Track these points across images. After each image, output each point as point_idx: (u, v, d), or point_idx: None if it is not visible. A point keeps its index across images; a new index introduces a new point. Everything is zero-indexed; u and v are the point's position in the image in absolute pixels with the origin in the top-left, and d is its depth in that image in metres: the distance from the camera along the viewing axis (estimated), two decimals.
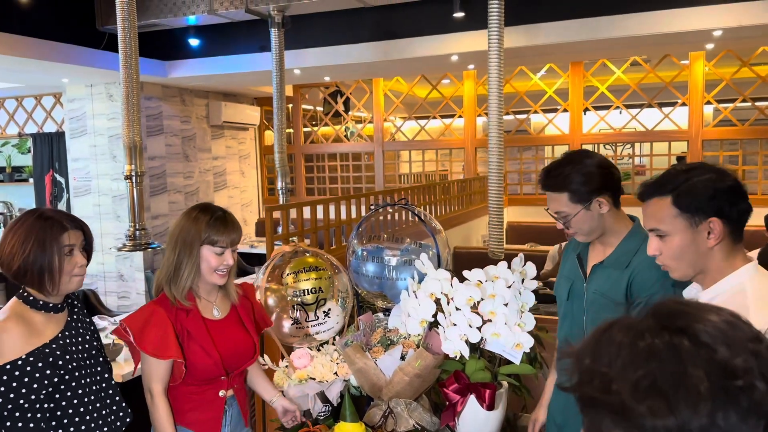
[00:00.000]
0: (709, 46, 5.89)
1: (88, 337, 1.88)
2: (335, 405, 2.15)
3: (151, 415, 1.96)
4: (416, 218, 2.31)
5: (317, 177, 8.80)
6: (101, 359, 1.91)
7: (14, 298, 1.78)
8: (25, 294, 1.77)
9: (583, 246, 1.96)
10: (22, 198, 8.25)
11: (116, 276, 6.72)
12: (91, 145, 6.89)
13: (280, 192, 4.67)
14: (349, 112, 8.65)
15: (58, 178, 7.57)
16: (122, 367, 2.82)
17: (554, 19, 5.02)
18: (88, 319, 1.95)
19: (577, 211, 1.78)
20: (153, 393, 1.93)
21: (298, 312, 2.25)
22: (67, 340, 1.80)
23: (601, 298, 1.82)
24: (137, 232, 3.45)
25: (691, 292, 1.56)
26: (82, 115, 6.88)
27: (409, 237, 2.34)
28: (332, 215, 3.75)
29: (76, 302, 1.92)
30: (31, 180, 7.90)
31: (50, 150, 7.64)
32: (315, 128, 8.79)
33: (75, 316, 1.88)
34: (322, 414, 2.19)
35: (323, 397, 2.20)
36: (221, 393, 2.01)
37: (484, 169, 8.39)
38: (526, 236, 6.98)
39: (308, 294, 2.26)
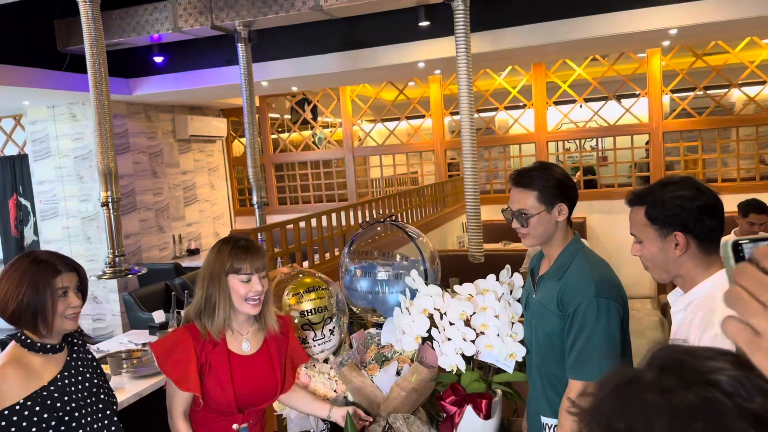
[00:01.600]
0: (666, 43, 6.09)
1: (88, 375, 1.88)
2: (339, 424, 2.18)
3: None
4: (404, 234, 2.36)
5: (288, 186, 8.79)
6: (102, 396, 1.91)
7: (12, 342, 1.79)
8: (23, 337, 1.77)
9: (537, 260, 2.05)
10: None
11: (90, 298, 6.62)
12: (57, 167, 6.76)
13: (256, 207, 4.67)
14: (317, 119, 8.66)
15: (23, 201, 7.40)
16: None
17: (517, 24, 5.14)
18: (89, 356, 1.95)
19: (539, 211, 1.88)
20: (173, 414, 1.97)
21: (306, 331, 2.27)
22: (66, 381, 1.80)
23: (540, 307, 1.92)
24: (116, 259, 3.42)
25: (674, 296, 1.65)
26: (45, 137, 6.75)
27: (398, 252, 2.39)
28: (313, 226, 3.78)
29: (75, 339, 1.91)
30: None
31: (12, 173, 7.47)
32: (283, 136, 8.77)
33: (75, 355, 1.88)
34: None
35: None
36: (234, 426, 2.01)
37: (455, 169, 8.51)
38: (499, 234, 7.10)
39: (314, 313, 2.29)
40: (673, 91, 7.28)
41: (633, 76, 7.24)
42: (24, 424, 1.68)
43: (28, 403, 1.69)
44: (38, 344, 1.77)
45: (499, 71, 7.67)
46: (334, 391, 2.22)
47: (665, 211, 1.51)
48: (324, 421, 2.22)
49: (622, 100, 7.41)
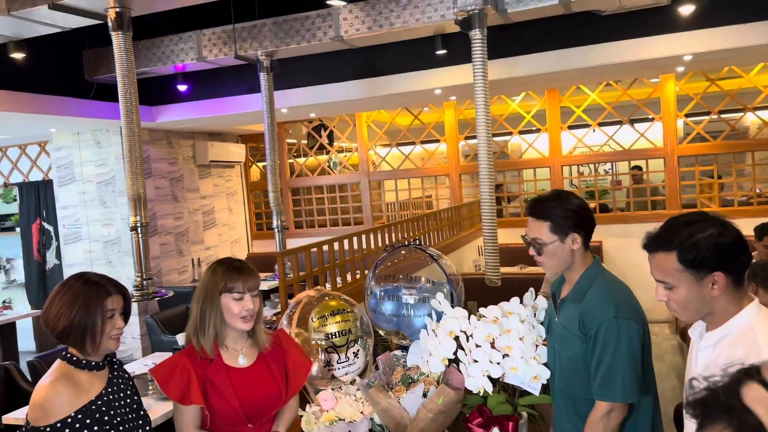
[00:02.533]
0: (680, 69, 6.17)
1: (129, 392, 1.97)
2: None
3: None
4: (429, 258, 2.42)
5: (305, 210, 8.89)
6: (141, 412, 1.99)
7: (58, 360, 1.87)
8: (69, 355, 1.87)
9: (558, 284, 2.09)
10: (9, 247, 8.20)
11: None
12: (80, 192, 6.91)
13: (276, 231, 4.75)
14: (333, 144, 8.79)
15: (46, 226, 7.55)
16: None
17: (531, 51, 5.24)
18: (126, 375, 2.03)
19: (552, 241, 1.92)
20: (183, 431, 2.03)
21: (330, 354, 2.33)
22: (111, 396, 1.89)
23: (563, 331, 1.96)
24: (144, 282, 3.50)
25: (696, 330, 1.63)
26: (70, 163, 6.92)
27: (422, 275, 2.45)
28: (336, 249, 3.85)
29: (114, 359, 2.00)
30: (17, 229, 7.86)
31: (36, 198, 7.63)
32: (300, 160, 8.90)
33: (115, 373, 1.97)
34: None
35: None
36: None
37: (469, 193, 8.57)
38: (515, 258, 7.12)
39: (338, 336, 2.35)
40: (687, 116, 7.32)
41: (647, 101, 7.31)
42: None
43: (79, 416, 1.78)
44: (84, 361, 1.86)
45: (514, 96, 7.77)
46: (361, 412, 2.26)
47: (701, 253, 1.45)
48: None
49: (636, 125, 7.47)
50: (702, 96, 7.07)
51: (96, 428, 1.80)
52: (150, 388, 3.27)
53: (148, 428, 1.98)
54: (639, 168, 7.75)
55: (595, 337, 1.83)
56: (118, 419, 1.87)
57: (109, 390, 1.90)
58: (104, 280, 1.88)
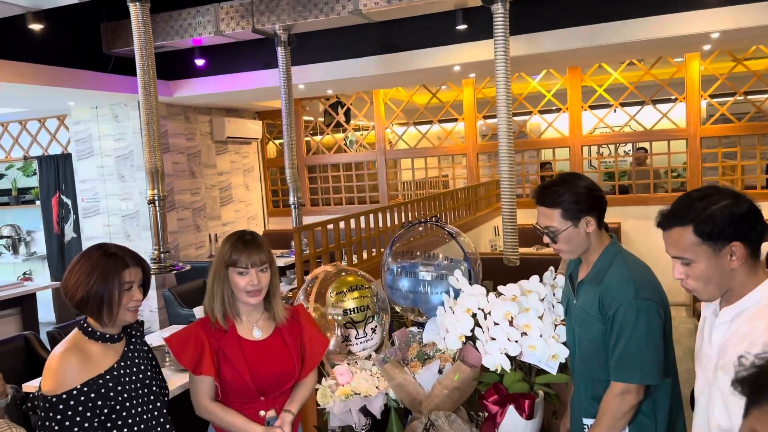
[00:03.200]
0: (706, 47, 6.01)
1: (143, 367, 1.96)
2: (378, 418, 2.22)
3: (211, 421, 2.08)
4: (448, 235, 2.40)
5: (321, 188, 8.88)
6: (154, 387, 1.98)
7: (75, 329, 1.89)
8: (85, 325, 1.87)
9: (574, 266, 2.06)
10: (30, 220, 8.30)
11: None
12: (99, 166, 6.95)
13: (293, 207, 4.74)
14: (350, 122, 8.74)
15: (65, 199, 7.63)
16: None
17: (554, 27, 5.13)
18: (146, 347, 2.03)
19: (566, 227, 1.88)
20: (201, 403, 2.06)
21: (348, 330, 2.32)
22: (122, 371, 1.88)
23: (582, 313, 1.92)
24: (162, 255, 3.52)
25: (709, 308, 1.61)
26: (88, 137, 6.95)
27: (440, 253, 2.43)
28: (352, 226, 3.84)
29: (134, 332, 2.00)
30: (38, 202, 7.95)
31: (56, 172, 7.70)
32: (316, 138, 8.87)
33: (132, 346, 1.96)
34: (365, 428, 2.27)
35: (364, 411, 2.28)
36: (261, 413, 2.07)
37: (486, 173, 8.50)
38: (532, 238, 7.06)
39: (356, 312, 2.34)
40: (711, 96, 7.16)
41: (670, 81, 7.15)
42: (79, 408, 1.76)
43: (85, 389, 1.78)
44: (98, 333, 1.86)
45: (534, 75, 7.64)
46: (377, 387, 2.26)
47: (718, 224, 1.44)
48: (366, 415, 2.27)
49: (658, 105, 7.32)
50: (727, 76, 6.90)
51: (100, 403, 1.80)
52: (167, 359, 3.30)
53: (159, 404, 1.98)
54: (644, 150, 7.62)
55: (613, 318, 1.80)
56: (126, 395, 1.86)
57: (122, 364, 1.89)
58: (123, 252, 1.88)
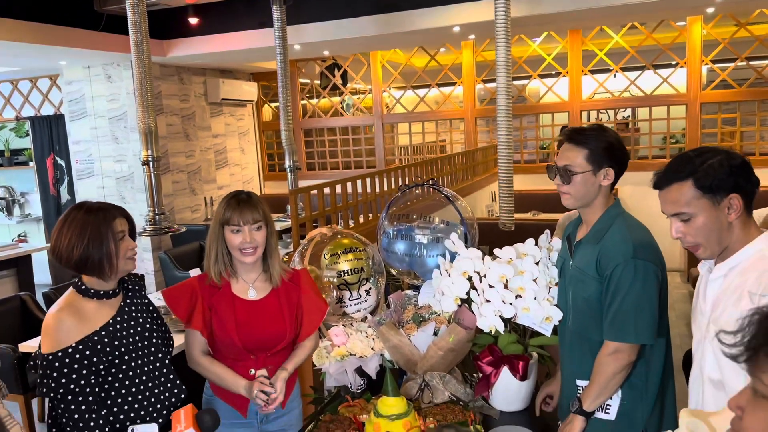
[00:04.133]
0: (710, 9, 5.91)
1: (141, 320, 1.96)
2: (374, 378, 2.23)
3: (201, 374, 2.10)
4: (444, 197, 2.38)
5: (317, 152, 8.82)
6: (155, 339, 1.99)
7: (70, 289, 1.90)
8: (80, 284, 1.88)
9: (573, 226, 2.04)
10: (24, 182, 8.24)
11: None
12: (92, 128, 6.87)
13: (288, 171, 4.71)
14: (347, 85, 8.62)
15: (59, 161, 7.56)
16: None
17: None
18: (146, 301, 2.04)
19: (585, 170, 1.86)
20: (193, 356, 2.08)
21: (342, 291, 2.32)
22: (118, 326, 1.89)
23: (579, 273, 1.92)
24: (157, 216, 3.50)
25: (705, 265, 1.64)
26: (81, 98, 6.85)
27: (438, 217, 2.41)
28: (348, 191, 3.82)
29: (130, 285, 2.00)
30: (31, 164, 7.88)
31: (49, 133, 7.61)
32: (312, 101, 8.77)
33: (129, 300, 1.97)
34: (360, 388, 2.29)
35: (360, 372, 2.29)
36: (251, 371, 2.08)
37: (484, 138, 8.44)
38: (529, 204, 7.07)
39: (350, 274, 2.34)
40: (713, 61, 7.07)
41: (672, 45, 7.05)
42: (75, 366, 1.78)
43: (80, 347, 1.79)
44: (92, 290, 1.87)
45: (535, 37, 7.52)
46: (372, 348, 2.27)
47: (718, 176, 1.48)
48: (361, 376, 2.28)
49: (659, 70, 7.23)
50: (729, 41, 6.81)
51: (95, 359, 1.82)
52: (166, 320, 3.32)
53: (161, 355, 1.99)
54: (626, 119, 7.61)
55: (610, 277, 1.80)
56: (123, 349, 1.88)
57: (118, 319, 1.90)
58: (105, 206, 1.89)
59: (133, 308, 1.97)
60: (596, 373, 1.84)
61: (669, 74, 7.17)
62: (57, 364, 1.77)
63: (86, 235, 1.81)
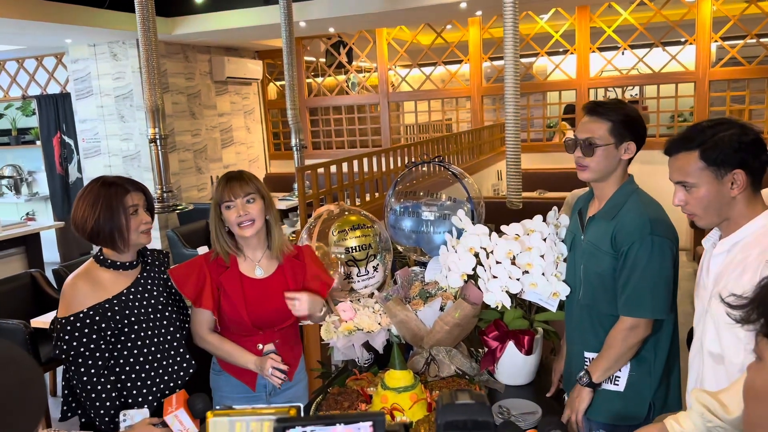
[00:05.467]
0: None
1: (156, 293, 2.02)
2: (381, 353, 2.27)
3: (209, 351, 2.13)
4: (451, 175, 2.39)
5: (322, 131, 8.80)
6: (167, 313, 2.04)
7: (90, 258, 1.98)
8: (99, 254, 1.96)
9: (584, 202, 2.05)
10: (31, 161, 8.27)
11: None
12: (98, 106, 6.87)
13: (294, 149, 4.70)
14: (353, 63, 8.57)
15: (67, 139, 7.57)
16: None
17: None
18: (164, 276, 2.08)
19: (608, 143, 1.86)
20: (200, 335, 2.11)
21: (350, 267, 2.35)
22: (131, 296, 1.95)
23: (592, 247, 1.93)
24: (165, 194, 3.52)
25: (709, 240, 1.67)
26: (87, 76, 6.84)
27: (443, 193, 2.42)
28: (355, 170, 3.82)
29: (150, 259, 2.06)
30: (38, 142, 7.89)
31: (56, 112, 7.61)
32: (317, 80, 8.72)
33: (145, 273, 2.02)
34: (367, 362, 2.32)
35: (367, 347, 2.33)
36: (259, 346, 2.12)
37: (490, 117, 8.40)
38: (535, 183, 7.06)
39: (358, 250, 2.36)
40: (722, 38, 6.99)
41: (681, 22, 6.96)
42: (85, 330, 1.85)
43: (90, 312, 1.87)
44: (109, 261, 1.94)
45: (542, 14, 7.43)
46: (379, 323, 2.30)
47: (724, 150, 1.49)
48: (368, 350, 2.32)
49: (668, 47, 7.15)
50: (739, 17, 6.72)
51: (104, 325, 1.88)
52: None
53: (173, 329, 2.03)
54: (635, 96, 7.56)
55: (626, 254, 1.81)
56: (133, 319, 1.93)
57: (132, 290, 1.96)
58: (121, 180, 1.94)
59: (150, 281, 2.02)
60: (609, 347, 1.86)
61: (678, 51, 7.09)
62: (69, 327, 1.84)
63: (98, 207, 1.86)
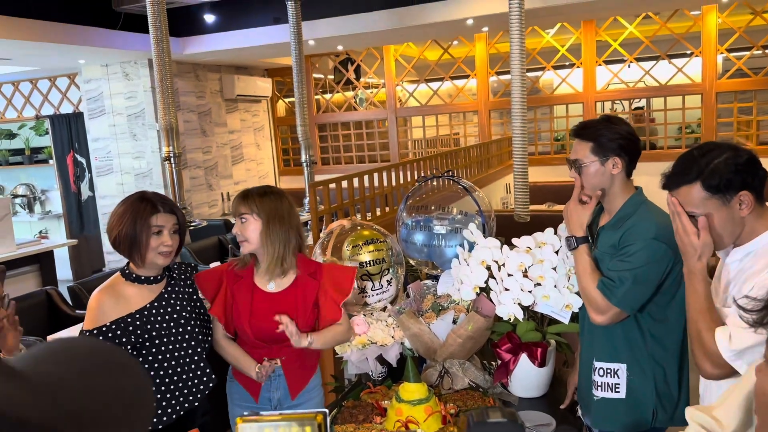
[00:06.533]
0: None
1: (179, 307, 2.04)
2: (394, 366, 2.29)
3: (221, 355, 2.17)
4: (461, 188, 2.42)
5: (331, 146, 8.87)
6: (190, 327, 2.05)
7: (117, 272, 2.02)
8: (125, 268, 2.01)
9: (595, 216, 2.08)
10: (44, 179, 8.38)
11: None
12: (111, 125, 6.97)
13: (304, 165, 4.77)
14: (360, 79, 8.66)
15: (79, 158, 7.67)
16: None
17: None
18: (190, 290, 2.11)
19: (592, 161, 1.91)
20: (216, 340, 2.16)
21: (364, 281, 2.38)
22: (154, 311, 1.98)
23: (602, 256, 1.96)
24: None
25: (724, 250, 1.68)
26: (100, 96, 6.95)
27: (454, 207, 2.45)
28: (366, 184, 3.87)
29: (175, 273, 2.09)
30: (51, 161, 8.00)
31: (69, 131, 7.73)
32: (326, 96, 8.81)
33: (170, 288, 2.05)
34: (381, 375, 2.34)
35: (380, 360, 2.35)
36: (265, 359, 2.11)
37: (498, 131, 8.44)
38: (543, 196, 7.08)
39: (372, 265, 2.39)
40: (728, 50, 7.02)
41: (686, 35, 7.01)
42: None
43: (113, 326, 1.90)
44: (134, 275, 1.98)
45: (548, 29, 7.50)
46: (392, 337, 2.32)
47: (725, 176, 1.50)
48: (382, 363, 2.34)
49: (674, 60, 7.19)
50: (745, 29, 6.75)
51: (125, 340, 1.91)
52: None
53: (194, 343, 2.06)
54: (641, 108, 7.58)
55: (624, 249, 1.84)
56: (155, 333, 1.96)
57: (155, 304, 1.99)
58: (156, 198, 1.97)
59: (174, 296, 2.05)
60: (582, 273, 1.91)
61: (684, 64, 7.13)
62: None
63: (125, 220, 1.91)
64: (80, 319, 4.00)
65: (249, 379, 2.13)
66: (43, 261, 6.19)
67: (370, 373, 2.33)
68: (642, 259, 1.81)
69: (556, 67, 7.68)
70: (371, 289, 2.40)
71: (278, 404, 2.18)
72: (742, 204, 1.52)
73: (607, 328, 1.95)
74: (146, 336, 1.95)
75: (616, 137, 1.91)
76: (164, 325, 1.99)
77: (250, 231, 2.07)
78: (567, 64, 7.64)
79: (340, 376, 2.52)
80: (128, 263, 2.01)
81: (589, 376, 2.03)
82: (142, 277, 1.99)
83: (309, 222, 4.41)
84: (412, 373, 1.99)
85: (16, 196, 8.26)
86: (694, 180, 1.53)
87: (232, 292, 2.11)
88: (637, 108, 7.66)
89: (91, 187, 7.49)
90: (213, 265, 4.05)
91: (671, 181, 1.59)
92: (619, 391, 1.92)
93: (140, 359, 1.96)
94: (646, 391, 1.91)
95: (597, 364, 1.99)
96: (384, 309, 2.47)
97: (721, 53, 7.01)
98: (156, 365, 1.97)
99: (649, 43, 7.05)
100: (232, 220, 6.29)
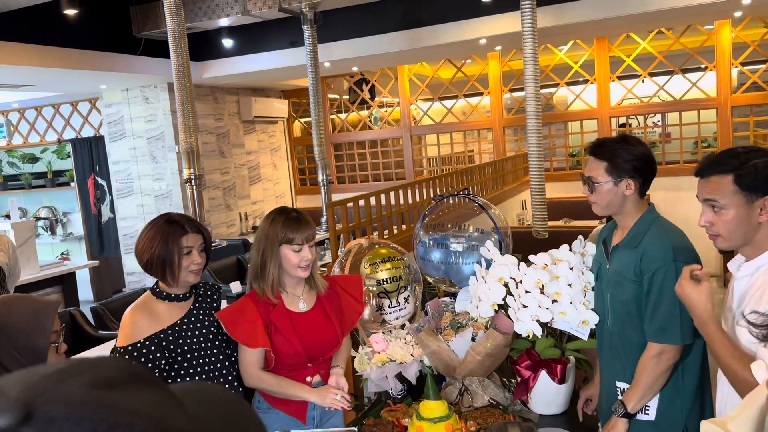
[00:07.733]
0: (737, 13, 5.88)
1: (207, 323, 2.11)
2: (414, 384, 2.30)
3: (263, 390, 2.17)
4: (477, 206, 2.45)
5: (347, 165, 8.95)
6: (218, 342, 2.12)
7: (147, 291, 2.09)
8: (155, 287, 2.08)
9: (608, 231, 2.09)
10: (65, 202, 8.54)
11: None
12: (131, 148, 7.11)
13: (321, 185, 4.83)
14: (375, 99, 8.75)
15: (100, 181, 7.82)
16: None
17: None
18: (215, 305, 2.19)
19: (606, 181, 1.92)
20: (253, 374, 2.13)
21: (382, 299, 2.41)
22: (185, 327, 2.05)
23: (617, 276, 1.96)
24: None
25: (734, 263, 1.69)
26: (120, 119, 7.11)
27: (470, 224, 2.48)
28: (382, 202, 3.91)
29: (202, 291, 2.16)
30: (73, 184, 8.16)
31: (90, 154, 7.89)
32: (341, 116, 8.92)
33: (198, 305, 2.12)
34: (401, 393, 2.36)
35: (400, 378, 2.37)
36: (308, 378, 2.17)
37: (512, 147, 8.47)
38: (560, 212, 7.07)
39: (389, 282, 2.42)
40: (742, 64, 7.01)
41: (700, 49, 7.01)
42: (142, 360, 1.95)
43: (147, 342, 1.97)
44: (164, 293, 2.05)
45: (561, 46, 7.55)
46: (411, 354, 2.34)
47: (759, 176, 1.52)
48: (401, 381, 2.35)
49: (688, 74, 7.19)
50: (759, 43, 6.74)
51: (159, 355, 1.97)
52: None
53: (222, 357, 2.11)
54: (656, 123, 7.57)
55: (651, 281, 1.84)
56: (186, 348, 2.03)
57: (185, 321, 2.06)
58: (184, 220, 2.04)
59: (202, 312, 2.12)
60: (640, 375, 1.88)
61: (698, 78, 7.12)
62: (127, 356, 1.94)
63: (156, 242, 1.98)
64: (103, 340, 4.08)
65: (293, 403, 2.15)
66: (66, 282, 6.30)
67: (390, 391, 2.34)
68: (670, 285, 1.81)
69: (569, 84, 7.71)
70: (389, 307, 2.43)
71: (319, 421, 2.22)
72: (763, 210, 1.53)
73: (630, 348, 1.95)
74: (179, 350, 2.01)
75: (631, 158, 1.92)
76: (194, 339, 2.06)
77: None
78: (581, 80, 7.67)
79: (359, 394, 2.54)
80: (157, 282, 2.07)
81: (611, 395, 2.02)
82: (172, 295, 2.06)
83: (327, 241, 4.46)
84: (432, 391, 2.01)
85: (38, 218, 8.43)
86: (729, 171, 1.55)
87: (269, 322, 2.11)
88: (653, 124, 7.65)
89: (112, 209, 7.62)
90: (233, 285, 4.10)
91: (706, 168, 1.61)
92: (648, 413, 1.92)
93: (172, 373, 2.02)
94: (676, 410, 1.90)
95: (621, 385, 1.99)
96: (403, 326, 2.49)
97: (736, 67, 7.00)
98: (188, 379, 2.03)
99: (663, 59, 7.06)
100: (250, 240, 6.29)
